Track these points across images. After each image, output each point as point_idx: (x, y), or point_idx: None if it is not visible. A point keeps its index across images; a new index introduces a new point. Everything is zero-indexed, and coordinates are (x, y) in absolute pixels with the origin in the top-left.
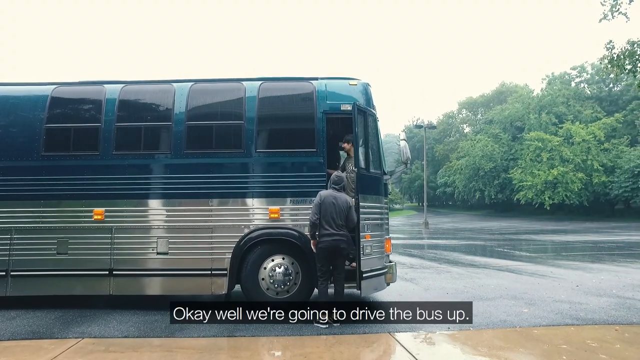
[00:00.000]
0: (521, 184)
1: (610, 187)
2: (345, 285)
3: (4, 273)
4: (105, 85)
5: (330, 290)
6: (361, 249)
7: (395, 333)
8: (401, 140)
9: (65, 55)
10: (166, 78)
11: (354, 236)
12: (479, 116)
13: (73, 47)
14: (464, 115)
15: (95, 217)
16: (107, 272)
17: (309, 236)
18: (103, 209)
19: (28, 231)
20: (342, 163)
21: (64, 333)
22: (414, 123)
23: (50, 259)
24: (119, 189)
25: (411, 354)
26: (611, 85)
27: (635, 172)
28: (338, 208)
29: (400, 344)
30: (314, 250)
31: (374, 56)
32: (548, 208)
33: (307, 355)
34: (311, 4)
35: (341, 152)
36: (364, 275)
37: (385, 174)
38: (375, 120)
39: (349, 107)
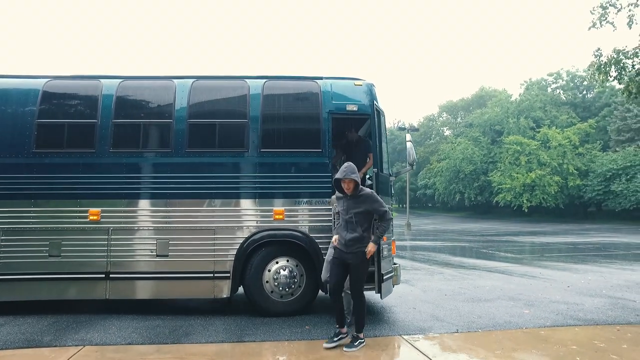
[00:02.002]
0: (500, 186)
1: (584, 190)
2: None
3: None
4: (101, 80)
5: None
6: (380, 251)
7: (406, 336)
8: (407, 141)
9: (57, 49)
10: (164, 74)
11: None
12: (459, 119)
13: (66, 40)
14: (444, 118)
15: (91, 217)
16: (104, 276)
17: (376, 239)
18: (99, 209)
19: (17, 232)
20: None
21: (62, 340)
22: (396, 125)
23: (41, 261)
24: (116, 189)
25: (427, 357)
26: (585, 92)
27: (607, 176)
28: None
29: (414, 346)
30: (370, 256)
31: (355, 58)
32: (526, 210)
33: (324, 359)
34: (294, 5)
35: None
36: (383, 278)
37: (391, 175)
38: (385, 121)
39: (355, 108)
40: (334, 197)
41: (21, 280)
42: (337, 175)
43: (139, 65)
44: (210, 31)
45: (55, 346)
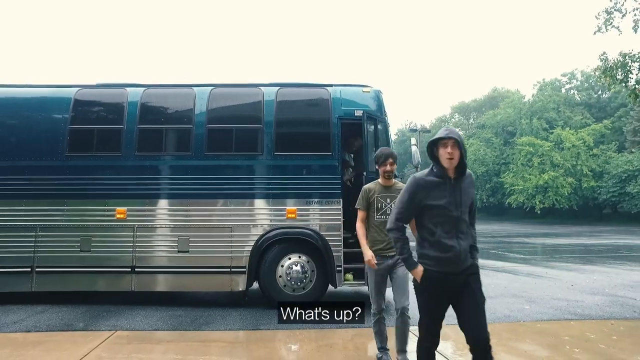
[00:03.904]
0: (513, 188)
1: (598, 191)
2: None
3: (29, 269)
4: (127, 89)
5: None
6: None
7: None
8: (412, 145)
9: (78, 58)
10: (184, 82)
11: None
12: (471, 120)
13: (85, 50)
14: (456, 119)
15: (118, 215)
16: (130, 269)
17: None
18: (125, 208)
19: (52, 229)
20: None
21: (96, 326)
22: (408, 127)
23: (73, 256)
24: (141, 189)
25: None
26: (600, 92)
27: (623, 178)
28: None
29: (413, 334)
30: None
31: (366, 60)
32: (539, 212)
33: (333, 345)
34: (306, 7)
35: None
36: None
37: (396, 177)
38: (385, 126)
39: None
40: (375, 184)
41: (57, 273)
42: (438, 134)
43: (148, 71)
44: (223, 39)
45: (91, 330)
